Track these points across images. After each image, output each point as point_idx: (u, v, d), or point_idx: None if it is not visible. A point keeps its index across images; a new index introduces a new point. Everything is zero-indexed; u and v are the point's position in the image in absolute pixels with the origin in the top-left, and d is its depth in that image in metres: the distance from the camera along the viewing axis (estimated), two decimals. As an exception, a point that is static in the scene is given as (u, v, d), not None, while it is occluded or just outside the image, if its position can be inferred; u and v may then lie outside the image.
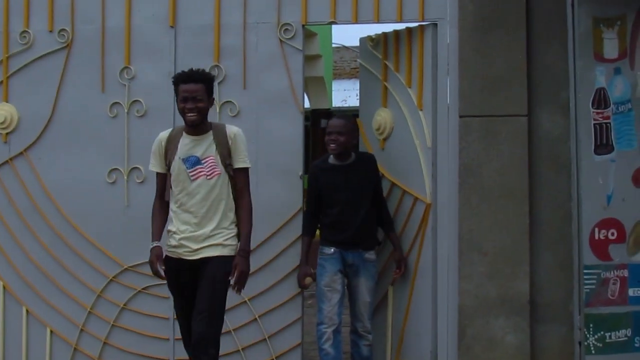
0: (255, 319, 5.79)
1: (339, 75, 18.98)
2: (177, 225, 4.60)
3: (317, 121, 13.79)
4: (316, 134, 13.33)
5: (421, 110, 5.63)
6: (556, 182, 5.27)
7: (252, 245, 5.40)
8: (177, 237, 4.60)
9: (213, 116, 5.55)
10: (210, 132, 4.64)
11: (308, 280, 5.49)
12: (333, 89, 15.24)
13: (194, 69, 4.65)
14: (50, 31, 6.05)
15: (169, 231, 4.78)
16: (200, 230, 4.53)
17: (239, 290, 4.59)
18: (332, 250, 5.26)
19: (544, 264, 5.33)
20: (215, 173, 4.56)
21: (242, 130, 5.31)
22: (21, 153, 6.05)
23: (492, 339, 5.33)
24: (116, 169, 5.97)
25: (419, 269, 5.65)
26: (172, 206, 4.66)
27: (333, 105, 15.33)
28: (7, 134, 6.08)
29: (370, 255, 5.32)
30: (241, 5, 5.84)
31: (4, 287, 6.03)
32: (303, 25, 5.81)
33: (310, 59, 10.02)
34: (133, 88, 5.98)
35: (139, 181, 5.92)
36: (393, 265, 5.73)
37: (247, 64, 5.86)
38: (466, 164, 5.41)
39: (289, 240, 5.75)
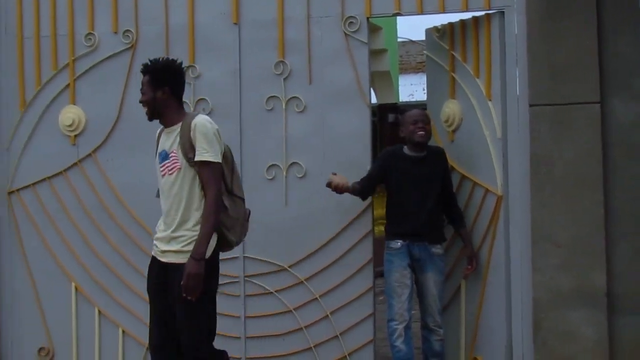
0: (327, 316, 6.02)
1: (405, 69, 19.00)
2: (159, 222, 4.63)
3: (384, 116, 13.89)
4: (383, 129, 13.45)
5: (490, 100, 5.73)
6: (631, 169, 5.33)
7: (322, 241, 5.84)
8: (154, 235, 4.68)
9: (279, 112, 5.95)
10: (179, 125, 4.51)
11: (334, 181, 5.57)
12: (399, 83, 15.33)
13: (149, 59, 4.65)
14: (115, 32, 6.38)
15: None
16: (166, 230, 4.51)
17: (190, 297, 4.31)
18: (399, 244, 5.44)
19: (620, 254, 5.36)
20: (175, 168, 4.44)
21: (310, 125, 5.55)
22: (89, 155, 6.40)
23: (569, 333, 5.40)
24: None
25: (491, 262, 5.80)
26: None
27: (400, 100, 15.38)
28: (75, 136, 6.43)
29: (437, 249, 5.49)
30: None
31: (75, 289, 6.39)
32: (367, 18, 5.94)
33: (375, 54, 10.22)
34: (198, 86, 6.25)
35: None
36: (464, 260, 5.91)
37: (312, 58, 6.07)
38: (537, 154, 5.50)
39: (359, 235, 5.94)
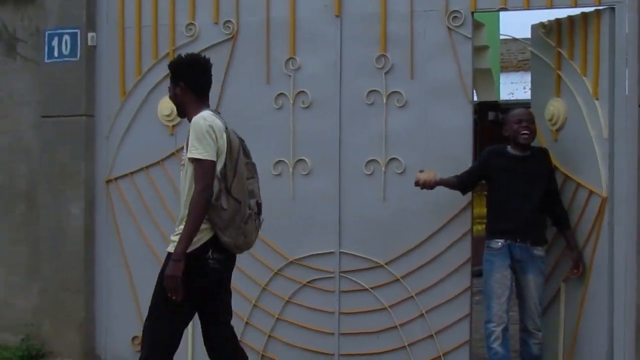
0: (422, 315, 6.14)
1: (506, 67, 18.89)
2: None
3: (484, 114, 13.86)
4: (483, 127, 13.43)
5: (597, 99, 5.72)
6: None
7: (420, 238, 5.99)
8: None
9: (379, 107, 6.09)
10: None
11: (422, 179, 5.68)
12: (500, 81, 15.27)
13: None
14: (216, 23, 6.61)
15: None
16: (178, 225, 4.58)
17: (174, 297, 4.36)
18: (500, 244, 5.48)
19: None
20: (182, 164, 4.63)
21: (410, 120, 5.73)
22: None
23: None
24: (281, 160, 6.45)
25: (594, 266, 5.77)
26: None
27: (500, 98, 15.32)
28: (173, 126, 6.69)
29: (539, 251, 5.50)
30: None
31: (170, 280, 6.59)
32: (472, 13, 5.97)
33: (477, 50, 10.21)
34: (298, 79, 6.44)
35: (305, 173, 6.39)
36: (564, 262, 5.94)
37: (414, 53, 6.18)
38: None
39: (457, 234, 6.05)
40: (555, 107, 6.06)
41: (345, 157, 6.29)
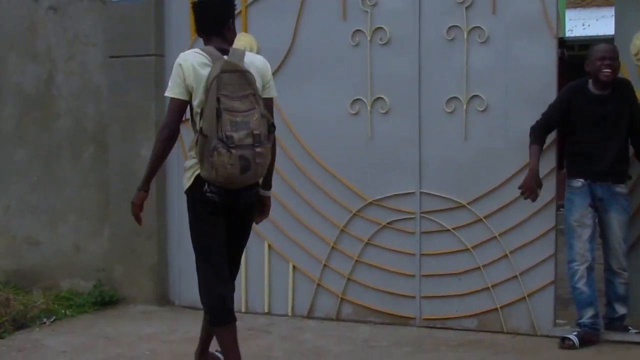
0: (506, 255, 6.22)
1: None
2: None
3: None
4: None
5: None
6: None
7: (503, 178, 6.11)
8: None
9: (460, 43, 6.18)
10: None
11: (533, 195, 5.64)
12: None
13: None
14: None
15: None
16: None
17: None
18: (580, 183, 5.54)
19: None
20: None
21: (492, 57, 5.97)
22: None
23: None
24: (359, 99, 6.54)
25: None
26: None
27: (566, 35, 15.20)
28: None
29: (621, 188, 5.50)
30: None
31: (246, 222, 6.76)
32: None
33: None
34: (376, 15, 6.49)
35: (383, 112, 6.47)
36: None
37: None
38: None
39: (542, 172, 5.97)
40: (643, 41, 6.05)
41: (425, 95, 6.35)
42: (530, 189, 5.60)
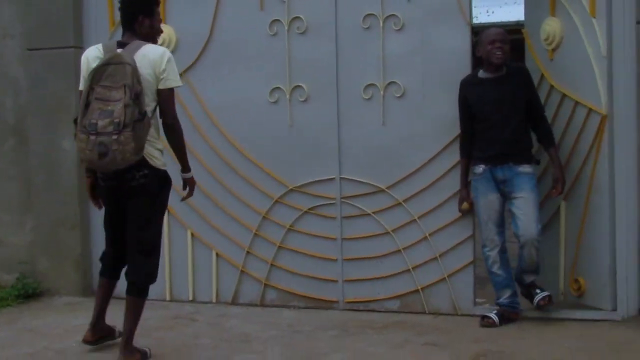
0: (426, 238, 6.14)
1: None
2: None
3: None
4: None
5: (594, 17, 5.59)
6: None
7: (421, 162, 6.05)
8: None
9: (376, 31, 6.05)
10: None
11: (464, 205, 5.67)
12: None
13: None
14: None
15: None
16: None
17: None
18: (481, 169, 5.45)
19: None
20: None
21: (408, 44, 5.94)
22: (180, 75, 6.31)
23: None
24: (278, 87, 6.37)
25: (594, 184, 5.79)
26: None
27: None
28: None
29: (524, 168, 5.40)
30: None
31: (168, 211, 6.42)
32: None
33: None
34: (293, 4, 6.32)
35: (302, 100, 6.31)
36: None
37: None
38: None
39: (458, 157, 5.97)
40: (551, 26, 6.01)
41: (343, 83, 6.21)
42: (459, 201, 5.73)
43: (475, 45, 5.74)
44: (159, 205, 5.01)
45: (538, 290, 5.51)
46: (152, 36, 4.90)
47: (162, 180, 4.95)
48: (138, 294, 4.90)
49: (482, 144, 5.46)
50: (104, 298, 5.24)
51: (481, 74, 5.46)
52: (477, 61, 5.77)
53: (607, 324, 5.68)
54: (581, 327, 5.60)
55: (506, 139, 5.35)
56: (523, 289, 5.61)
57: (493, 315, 5.42)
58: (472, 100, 5.44)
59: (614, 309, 5.78)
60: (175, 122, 4.91)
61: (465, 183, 5.60)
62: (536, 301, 5.50)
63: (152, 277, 4.98)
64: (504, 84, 5.38)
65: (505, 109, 5.34)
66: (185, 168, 5.10)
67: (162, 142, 4.99)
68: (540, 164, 5.91)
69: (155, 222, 4.99)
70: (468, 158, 5.55)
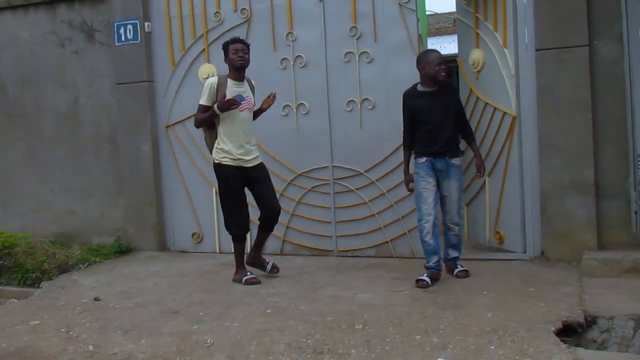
0: (392, 205, 6.13)
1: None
2: (236, 145, 5.32)
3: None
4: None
5: (506, 47, 5.61)
6: (614, 95, 5.22)
7: (387, 153, 5.96)
8: (236, 154, 5.27)
9: (353, 63, 6.00)
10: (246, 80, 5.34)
11: (411, 185, 5.23)
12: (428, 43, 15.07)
13: (239, 37, 5.34)
14: (235, 10, 6.50)
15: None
16: (251, 147, 5.36)
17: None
18: (424, 159, 5.03)
19: (605, 156, 5.32)
20: (249, 108, 5.35)
21: (376, 72, 5.80)
22: None
23: (567, 213, 5.40)
24: (288, 105, 6.37)
25: (509, 165, 5.77)
26: None
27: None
28: None
29: (455, 161, 5.06)
30: None
31: (217, 193, 6.56)
32: None
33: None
34: (295, 47, 6.34)
35: (304, 113, 6.31)
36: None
37: (376, 23, 6.07)
38: (543, 85, 5.44)
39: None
40: (476, 55, 5.96)
41: (332, 100, 6.19)
42: (406, 183, 5.30)
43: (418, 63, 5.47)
44: (219, 183, 5.27)
45: (459, 266, 5.23)
46: (231, 66, 5.15)
47: (216, 166, 5.14)
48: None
49: (425, 142, 5.05)
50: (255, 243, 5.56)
51: (420, 87, 5.08)
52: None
53: (519, 262, 5.68)
54: (502, 264, 5.59)
55: (444, 139, 5.00)
56: (446, 262, 5.28)
57: (425, 278, 4.99)
58: (414, 108, 5.06)
59: (524, 252, 5.80)
60: (196, 123, 5.32)
61: (408, 170, 5.22)
62: (455, 272, 5.21)
63: (226, 227, 5.41)
64: (439, 96, 5.01)
65: (441, 115, 4.99)
66: (219, 109, 5.10)
67: (226, 144, 5.14)
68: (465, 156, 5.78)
69: (220, 194, 5.30)
70: (410, 151, 5.20)
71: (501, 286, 4.94)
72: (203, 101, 5.03)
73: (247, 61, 5.07)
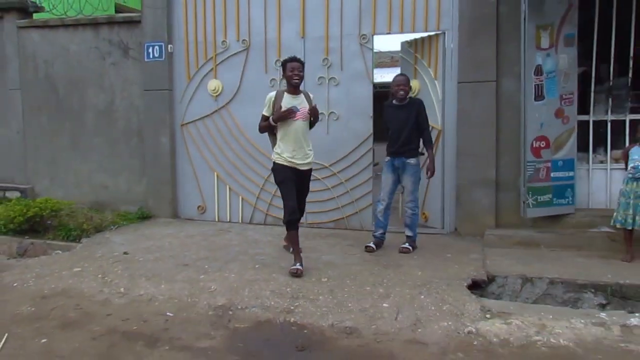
0: (348, 192, 6.10)
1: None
2: (291, 150, 4.61)
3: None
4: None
5: (436, 79, 5.66)
6: (512, 117, 5.28)
7: (346, 153, 5.92)
8: (291, 158, 4.54)
9: (324, 86, 5.92)
10: (302, 93, 4.59)
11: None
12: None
13: (296, 56, 4.55)
14: (237, 40, 6.37)
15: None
16: (306, 153, 4.63)
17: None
18: (388, 159, 4.97)
19: (503, 161, 5.41)
20: (303, 117, 4.56)
21: (341, 92, 5.69)
22: (224, 106, 6.50)
23: (475, 200, 5.47)
24: None
25: (436, 166, 5.77)
26: None
27: (375, 81, 15.18)
28: (216, 95, 6.48)
29: (411, 160, 4.90)
30: (338, 23, 6.00)
31: (217, 176, 6.56)
32: (373, 35, 5.95)
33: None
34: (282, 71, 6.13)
35: None
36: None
37: (342, 57, 6.02)
38: (461, 108, 5.49)
39: (363, 151, 6.00)
40: (414, 84, 5.95)
41: (308, 111, 6.07)
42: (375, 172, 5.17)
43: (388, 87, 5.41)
44: (274, 178, 4.61)
45: (407, 244, 5.01)
46: (287, 83, 4.49)
47: (273, 164, 4.53)
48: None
49: (389, 144, 4.96)
50: None
51: (394, 102, 4.96)
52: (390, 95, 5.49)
53: (439, 235, 5.70)
54: (427, 237, 5.55)
55: (401, 142, 4.86)
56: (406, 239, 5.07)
57: (372, 244, 5.00)
58: (386, 117, 4.97)
59: (443, 228, 5.84)
60: (259, 129, 4.70)
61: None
62: (400, 247, 5.04)
63: (284, 215, 4.48)
64: (404, 109, 4.89)
65: (401, 123, 4.85)
66: (272, 121, 4.52)
67: (280, 147, 4.55)
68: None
69: (277, 186, 4.59)
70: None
71: (427, 252, 5.01)
72: (264, 111, 4.49)
73: (302, 78, 4.40)
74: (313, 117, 4.48)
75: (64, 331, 3.51)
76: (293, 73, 4.33)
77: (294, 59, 4.36)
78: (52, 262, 4.97)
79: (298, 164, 4.43)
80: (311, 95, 4.57)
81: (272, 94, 4.48)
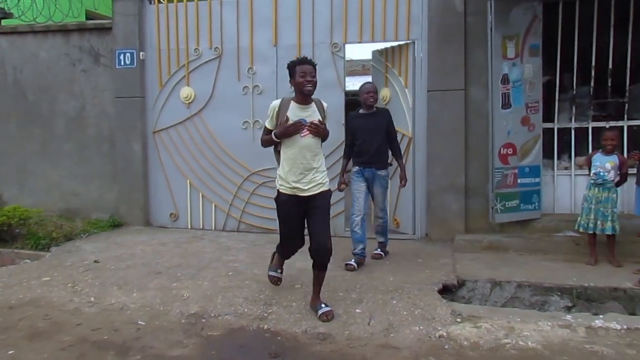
0: None
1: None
2: (294, 174, 3.75)
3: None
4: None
5: (407, 88, 5.67)
6: (480, 125, 5.32)
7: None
8: (291, 183, 3.72)
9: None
10: (313, 103, 3.62)
11: (342, 187, 4.98)
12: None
13: (307, 57, 3.67)
14: (210, 48, 6.29)
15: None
16: (309, 176, 3.71)
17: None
18: (357, 168, 4.76)
19: (472, 167, 5.43)
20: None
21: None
22: (196, 113, 6.41)
23: (445, 206, 5.49)
24: (246, 121, 6.21)
25: (406, 173, 5.78)
26: None
27: (346, 89, 15.22)
28: (189, 103, 6.39)
29: (382, 172, 4.77)
30: (310, 32, 5.98)
31: (189, 183, 6.46)
32: (344, 43, 5.94)
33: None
34: (255, 78, 6.18)
35: (259, 127, 6.10)
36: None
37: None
38: (431, 116, 5.51)
39: (338, 157, 5.84)
40: (385, 92, 5.96)
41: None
42: (338, 184, 4.94)
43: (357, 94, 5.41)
44: (276, 209, 3.79)
45: (379, 249, 4.98)
46: (297, 90, 3.56)
47: (277, 194, 3.71)
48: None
49: (358, 153, 4.76)
50: None
51: (361, 111, 4.82)
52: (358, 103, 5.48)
53: (410, 241, 5.71)
54: (398, 242, 5.56)
55: (372, 152, 4.70)
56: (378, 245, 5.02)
57: (353, 263, 4.66)
58: (353, 126, 4.79)
59: (414, 234, 5.84)
60: (261, 143, 3.79)
61: (342, 174, 4.90)
62: (372, 252, 4.97)
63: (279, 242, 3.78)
64: (373, 118, 4.73)
65: (372, 134, 4.70)
66: (275, 136, 3.59)
67: (284, 170, 3.63)
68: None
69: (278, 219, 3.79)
70: (347, 160, 4.88)
71: (399, 257, 5.02)
72: (266, 123, 3.62)
73: (315, 85, 3.46)
74: (318, 135, 3.55)
75: (32, 342, 3.39)
76: (305, 79, 3.40)
77: (304, 61, 3.42)
78: (20, 271, 4.81)
79: (303, 190, 3.51)
80: (324, 104, 3.58)
81: (276, 102, 3.55)
